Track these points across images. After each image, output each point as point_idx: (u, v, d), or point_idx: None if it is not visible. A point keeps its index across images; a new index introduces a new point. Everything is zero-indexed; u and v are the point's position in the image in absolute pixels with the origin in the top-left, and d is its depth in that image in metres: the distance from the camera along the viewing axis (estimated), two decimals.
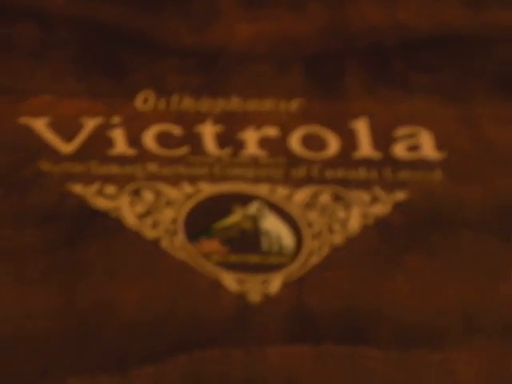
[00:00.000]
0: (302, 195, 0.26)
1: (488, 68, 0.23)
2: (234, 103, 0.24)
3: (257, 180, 0.26)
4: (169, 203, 0.27)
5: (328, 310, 0.28)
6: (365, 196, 0.25)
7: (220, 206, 0.26)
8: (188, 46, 0.23)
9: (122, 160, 0.26)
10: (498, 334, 0.26)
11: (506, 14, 0.23)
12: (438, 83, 0.23)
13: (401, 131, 0.23)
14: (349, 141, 0.24)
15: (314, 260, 0.26)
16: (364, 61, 0.23)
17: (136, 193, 0.26)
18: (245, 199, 0.26)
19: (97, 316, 0.30)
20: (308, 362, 0.29)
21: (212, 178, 0.26)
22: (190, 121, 0.24)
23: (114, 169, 0.26)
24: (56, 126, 0.25)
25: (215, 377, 0.30)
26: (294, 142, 0.24)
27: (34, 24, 0.25)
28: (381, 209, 0.25)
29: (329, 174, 0.25)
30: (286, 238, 0.27)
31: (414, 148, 0.24)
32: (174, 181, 0.26)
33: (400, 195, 0.25)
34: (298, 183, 0.25)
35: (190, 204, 0.26)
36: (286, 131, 0.24)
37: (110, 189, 0.26)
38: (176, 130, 0.24)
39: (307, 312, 0.28)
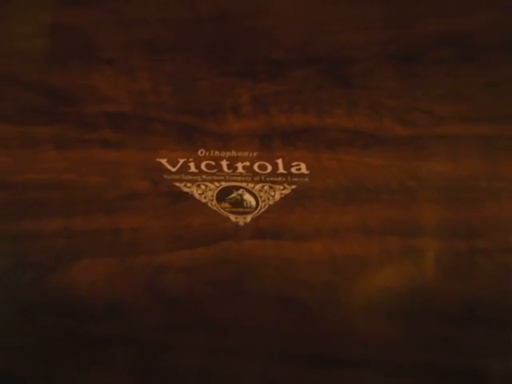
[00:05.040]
0: (258, 187, 0.28)
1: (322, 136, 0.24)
2: (233, 154, 0.26)
3: (241, 181, 0.28)
4: (210, 189, 0.29)
5: (268, 226, 0.29)
6: (281, 187, 0.28)
7: (228, 191, 0.29)
8: (216, 132, 0.25)
9: (193, 174, 0.28)
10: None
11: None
12: (308, 147, 0.25)
13: (293, 164, 0.26)
14: (275, 167, 0.26)
15: (263, 210, 0.29)
16: (282, 139, 0.25)
17: (198, 186, 0.28)
18: (237, 188, 0.28)
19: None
20: (260, 248, 0.30)
21: (225, 180, 0.28)
22: (217, 160, 0.27)
23: (189, 177, 0.28)
24: (169, 161, 0.27)
25: (227, 256, 0.31)
26: (255, 167, 0.27)
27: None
28: (287, 192, 0.28)
29: (268, 179, 0.27)
30: (252, 202, 0.29)
31: (298, 169, 0.26)
32: (212, 181, 0.28)
33: (294, 186, 0.27)
34: (257, 182, 0.28)
35: (217, 190, 0.29)
36: (252, 164, 0.27)
37: (189, 184, 0.28)
38: (212, 163, 0.27)
39: (259, 230, 0.30)
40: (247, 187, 0.28)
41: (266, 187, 0.28)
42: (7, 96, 0.25)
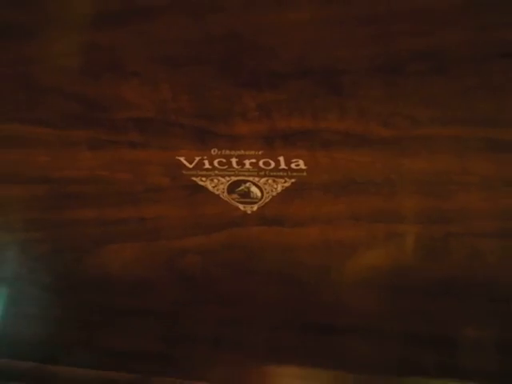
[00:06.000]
0: (263, 180, 0.29)
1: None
2: (241, 152, 0.27)
3: (249, 175, 0.29)
4: (222, 183, 0.30)
5: (271, 214, 0.30)
6: (282, 181, 0.28)
7: (237, 184, 0.29)
8: (227, 134, 0.26)
9: (207, 170, 0.29)
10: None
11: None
12: (306, 146, 0.25)
13: (293, 161, 0.27)
14: (277, 163, 0.27)
15: (267, 200, 0.30)
16: (283, 139, 0.26)
17: (211, 180, 0.29)
18: (245, 181, 0.29)
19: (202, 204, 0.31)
20: (265, 234, 0.31)
21: (235, 175, 0.29)
22: (228, 158, 0.28)
23: (204, 173, 0.29)
24: (187, 159, 0.28)
25: (236, 240, 0.32)
26: (260, 163, 0.27)
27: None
28: (287, 184, 0.28)
29: (272, 174, 0.28)
30: (258, 193, 0.29)
31: (297, 165, 0.27)
32: (223, 176, 0.29)
33: (294, 180, 0.28)
34: (262, 177, 0.29)
35: (228, 183, 0.29)
36: (257, 161, 0.27)
37: (203, 178, 0.29)
38: (223, 160, 0.28)
39: (264, 217, 0.31)
40: (253, 181, 0.29)
41: (270, 181, 0.29)
42: (50, 104, 0.28)
